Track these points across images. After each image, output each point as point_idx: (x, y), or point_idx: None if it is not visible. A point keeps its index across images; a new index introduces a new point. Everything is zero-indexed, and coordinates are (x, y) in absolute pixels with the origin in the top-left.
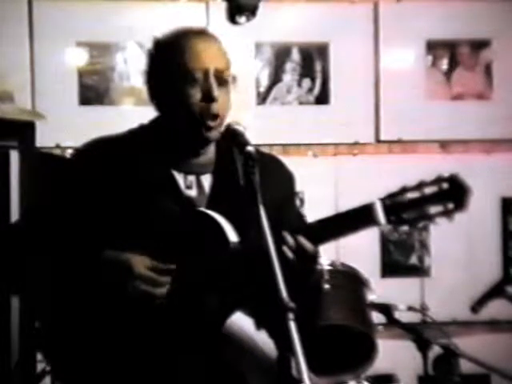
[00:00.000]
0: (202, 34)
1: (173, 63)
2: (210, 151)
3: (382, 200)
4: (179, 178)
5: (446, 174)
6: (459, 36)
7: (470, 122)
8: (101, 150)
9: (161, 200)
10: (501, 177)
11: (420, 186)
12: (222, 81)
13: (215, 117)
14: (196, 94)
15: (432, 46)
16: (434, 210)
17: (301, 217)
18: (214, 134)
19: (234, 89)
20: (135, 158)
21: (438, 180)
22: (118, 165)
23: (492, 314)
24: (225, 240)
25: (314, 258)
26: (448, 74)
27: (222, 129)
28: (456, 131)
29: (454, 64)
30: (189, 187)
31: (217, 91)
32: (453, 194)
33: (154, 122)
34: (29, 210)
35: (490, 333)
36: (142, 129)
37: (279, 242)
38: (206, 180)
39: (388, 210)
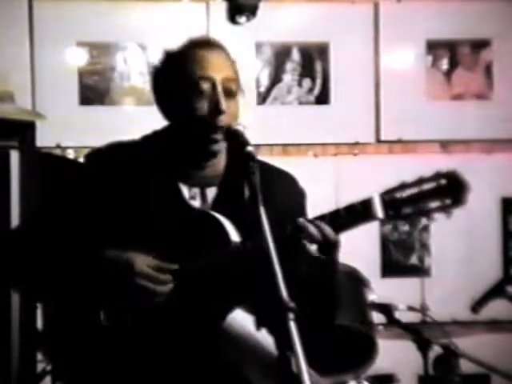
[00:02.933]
0: (207, 44)
1: (179, 74)
2: (219, 164)
3: (381, 195)
4: (184, 189)
5: (445, 170)
6: (459, 36)
7: (470, 122)
8: (114, 154)
9: (164, 208)
10: (501, 177)
11: (419, 181)
12: (230, 92)
13: (222, 129)
14: (203, 107)
15: (432, 46)
16: (431, 205)
17: None
18: (220, 147)
19: (243, 100)
20: (144, 166)
21: (437, 176)
22: (127, 171)
23: (492, 314)
24: (226, 239)
25: (336, 245)
26: (448, 73)
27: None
28: (456, 131)
29: (454, 64)
30: (192, 198)
31: (225, 103)
32: (451, 189)
33: (166, 130)
34: (38, 211)
35: (490, 333)
36: (155, 136)
37: (293, 235)
38: (211, 192)
39: (386, 204)
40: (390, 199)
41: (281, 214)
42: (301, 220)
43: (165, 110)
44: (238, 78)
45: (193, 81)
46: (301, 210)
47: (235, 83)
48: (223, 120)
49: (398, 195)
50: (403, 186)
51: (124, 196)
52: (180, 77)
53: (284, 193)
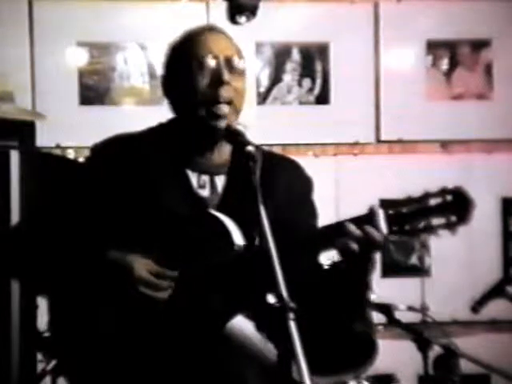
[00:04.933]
0: (212, 28)
1: (185, 56)
2: (226, 151)
3: (385, 210)
4: (192, 177)
5: (451, 186)
6: (459, 36)
7: (470, 121)
8: (118, 147)
9: (172, 199)
10: (501, 177)
11: (424, 197)
12: (234, 67)
13: (225, 102)
14: (204, 79)
15: (432, 46)
16: (436, 221)
17: (312, 220)
18: (224, 124)
19: (246, 78)
20: (151, 156)
21: (443, 192)
22: (132, 162)
23: (492, 314)
24: (230, 242)
25: (380, 246)
26: (448, 74)
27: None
28: (456, 131)
29: (454, 64)
30: (202, 187)
31: (227, 75)
32: (456, 206)
33: (172, 121)
34: (39, 209)
35: (490, 333)
36: (161, 127)
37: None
38: (220, 180)
39: (390, 220)
40: (395, 214)
41: (285, 201)
42: (345, 221)
43: (168, 91)
44: (241, 57)
45: (197, 59)
46: (306, 197)
47: (239, 61)
48: (227, 91)
49: (403, 210)
50: (408, 201)
51: (131, 188)
52: (185, 58)
53: (288, 180)
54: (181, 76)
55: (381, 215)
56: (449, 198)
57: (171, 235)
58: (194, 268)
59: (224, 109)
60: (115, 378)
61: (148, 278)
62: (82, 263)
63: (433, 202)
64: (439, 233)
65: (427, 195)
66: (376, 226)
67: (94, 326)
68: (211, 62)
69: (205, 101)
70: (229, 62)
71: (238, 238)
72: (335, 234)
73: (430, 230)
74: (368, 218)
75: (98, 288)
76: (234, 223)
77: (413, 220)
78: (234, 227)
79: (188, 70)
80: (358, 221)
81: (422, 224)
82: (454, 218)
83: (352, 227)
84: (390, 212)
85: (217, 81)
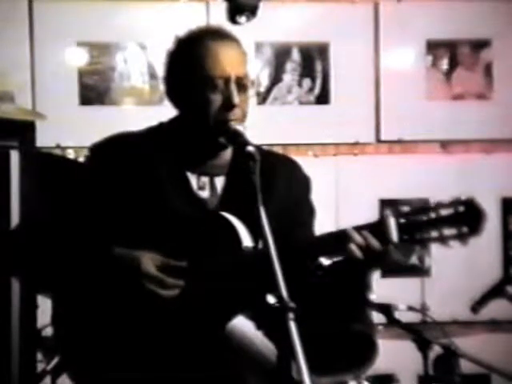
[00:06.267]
0: (222, 36)
1: (193, 67)
2: (227, 153)
3: (396, 218)
4: (192, 178)
5: (463, 197)
6: (459, 36)
7: (470, 122)
8: (117, 147)
9: (172, 200)
10: (501, 177)
11: (436, 206)
12: (243, 86)
13: (234, 121)
14: (216, 101)
15: (432, 46)
16: (447, 232)
17: (310, 219)
18: None
19: (253, 92)
20: (150, 156)
21: (455, 202)
22: (132, 162)
23: (492, 314)
24: (238, 243)
25: (383, 257)
26: (448, 74)
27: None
28: (456, 131)
29: (454, 64)
30: (201, 188)
31: (237, 98)
32: (468, 217)
33: (172, 121)
34: (40, 210)
35: (490, 333)
36: (161, 127)
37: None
38: (220, 181)
39: (402, 228)
40: (406, 223)
41: (285, 201)
42: (348, 229)
43: (176, 100)
44: (248, 73)
45: (208, 76)
46: (305, 196)
47: (247, 78)
48: (235, 114)
49: (414, 219)
50: (419, 210)
51: (130, 188)
52: (194, 70)
53: (287, 180)
54: (188, 89)
55: (392, 224)
56: (461, 208)
57: (171, 236)
58: (198, 268)
59: (232, 126)
60: (118, 373)
61: (155, 273)
62: (83, 261)
63: (444, 212)
64: (450, 243)
65: (439, 205)
66: (386, 234)
67: (99, 321)
68: (222, 83)
69: (215, 121)
70: (239, 82)
71: (246, 239)
72: (339, 241)
73: (441, 240)
74: (378, 226)
75: (103, 284)
76: (242, 225)
77: (424, 229)
78: (243, 228)
79: (197, 86)
80: (367, 229)
81: (432, 234)
82: (465, 229)
83: (356, 236)
84: (402, 221)
85: (228, 105)
